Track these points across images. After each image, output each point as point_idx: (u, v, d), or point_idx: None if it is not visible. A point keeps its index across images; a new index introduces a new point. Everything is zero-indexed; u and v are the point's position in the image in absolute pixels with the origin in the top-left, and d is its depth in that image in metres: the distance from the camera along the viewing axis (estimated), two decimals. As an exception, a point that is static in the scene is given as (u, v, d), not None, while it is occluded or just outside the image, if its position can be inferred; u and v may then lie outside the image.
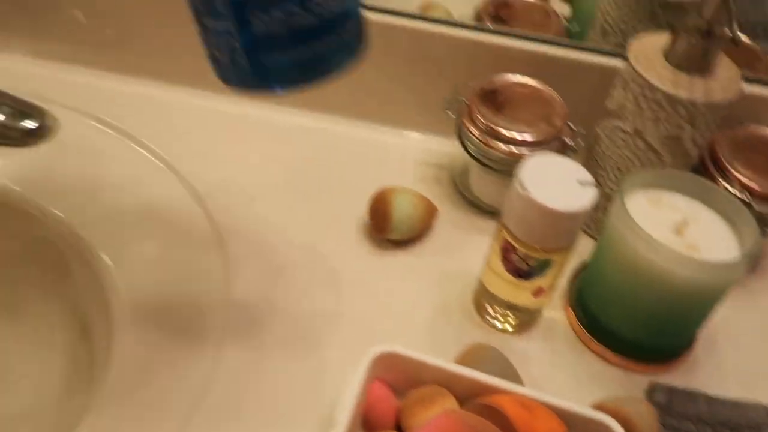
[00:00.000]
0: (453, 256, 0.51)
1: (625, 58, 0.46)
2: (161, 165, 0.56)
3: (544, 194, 0.37)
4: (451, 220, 0.53)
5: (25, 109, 0.57)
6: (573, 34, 0.60)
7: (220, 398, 0.40)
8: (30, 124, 0.56)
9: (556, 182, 0.38)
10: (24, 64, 0.63)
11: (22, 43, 0.64)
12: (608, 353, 0.44)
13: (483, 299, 0.46)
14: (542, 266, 0.40)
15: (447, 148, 0.58)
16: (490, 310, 0.46)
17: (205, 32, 0.30)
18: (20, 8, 0.62)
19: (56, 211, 0.51)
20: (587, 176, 0.38)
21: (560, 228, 0.38)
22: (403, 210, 0.49)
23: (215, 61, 0.31)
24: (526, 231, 0.39)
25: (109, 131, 0.59)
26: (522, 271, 0.41)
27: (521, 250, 0.40)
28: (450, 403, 0.37)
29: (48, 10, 0.62)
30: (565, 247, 0.40)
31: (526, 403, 0.36)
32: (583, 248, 0.48)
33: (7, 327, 0.56)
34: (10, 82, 0.56)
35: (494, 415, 0.35)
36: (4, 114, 0.55)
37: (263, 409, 0.40)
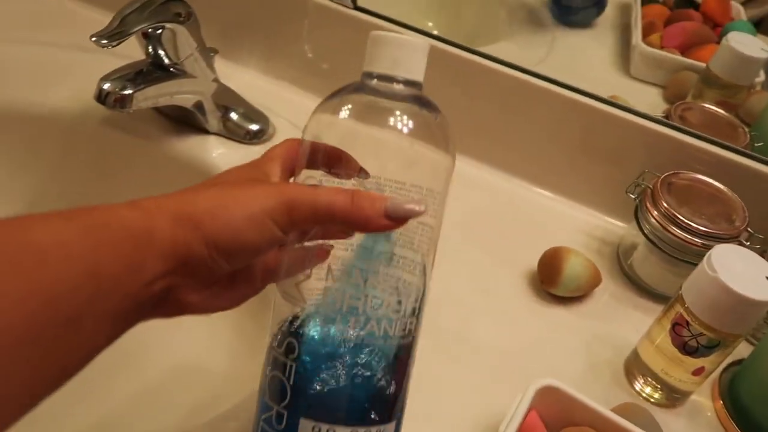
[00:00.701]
0: (608, 324, 0.54)
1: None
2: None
3: (732, 279, 0.40)
4: (610, 291, 0.57)
5: (253, 114, 0.67)
6: (756, 149, 0.63)
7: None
8: (254, 126, 0.66)
9: (743, 271, 0.41)
10: (258, 79, 0.75)
11: (258, 62, 0.75)
12: (753, 449, 0.46)
13: (634, 368, 0.49)
14: (711, 346, 0.43)
15: (613, 227, 0.63)
16: (639, 380, 0.49)
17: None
18: (265, 36, 0.74)
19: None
20: (773, 274, 0.41)
21: (742, 313, 0.41)
22: (574, 269, 0.53)
23: None
24: (707, 310, 0.42)
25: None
26: (690, 347, 0.44)
27: (695, 327, 0.43)
28: (604, 446, 0.40)
29: (286, 42, 0.73)
30: (739, 333, 0.42)
31: (682, 464, 0.38)
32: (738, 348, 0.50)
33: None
34: (245, 91, 0.67)
35: (650, 465, 0.37)
36: (237, 114, 0.66)
37: (424, 410, 0.45)
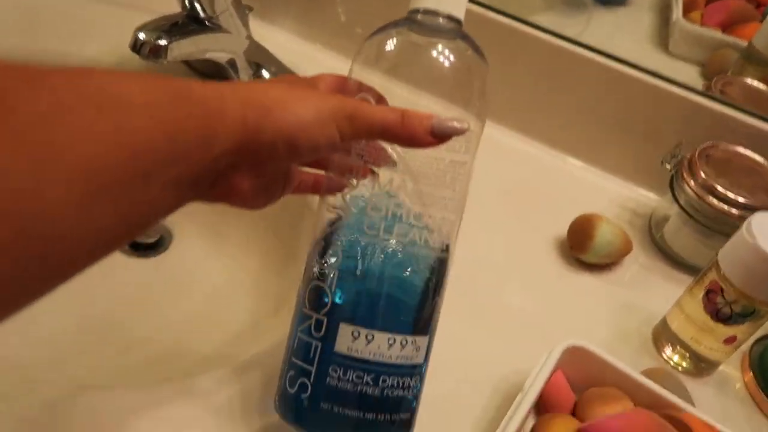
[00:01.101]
0: (637, 293, 0.53)
1: None
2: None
3: (772, 246, 0.40)
4: (639, 261, 0.56)
5: (285, 73, 0.67)
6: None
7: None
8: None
9: (783, 239, 0.40)
10: (291, 40, 0.75)
11: (292, 24, 0.75)
12: (782, 422, 0.45)
13: (663, 337, 0.49)
14: (745, 315, 0.42)
15: (646, 199, 0.62)
16: (668, 348, 0.48)
17: (293, 366, 0.34)
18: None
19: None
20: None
21: (779, 280, 0.40)
22: (605, 236, 0.52)
23: (282, 391, 0.34)
24: (743, 277, 0.41)
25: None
26: (722, 314, 0.43)
27: (730, 294, 0.42)
28: (630, 406, 0.40)
29: (321, 4, 0.73)
30: (775, 302, 0.42)
31: (711, 428, 0.38)
32: None
33: (212, 246, 0.65)
34: (278, 51, 0.66)
35: (679, 428, 0.37)
36: (269, 72, 0.66)
37: (454, 365, 0.45)
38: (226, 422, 0.38)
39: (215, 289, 0.61)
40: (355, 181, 0.33)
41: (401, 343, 0.32)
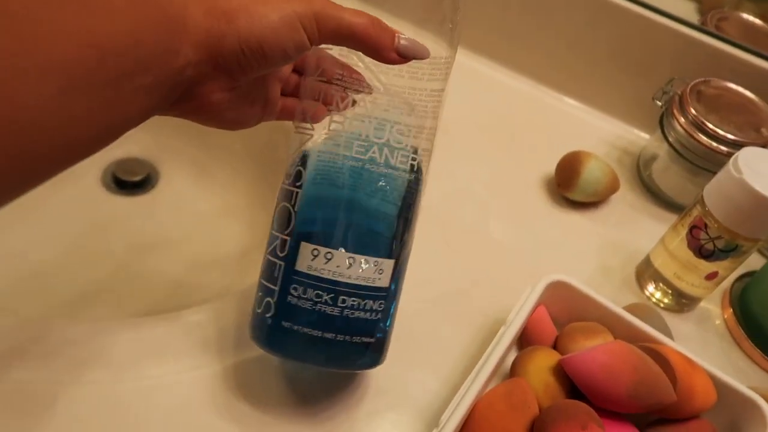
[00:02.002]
0: (622, 231, 0.53)
1: None
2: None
3: (757, 181, 0.39)
4: (626, 199, 0.56)
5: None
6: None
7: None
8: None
9: (770, 175, 0.40)
10: None
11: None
12: (759, 355, 0.46)
13: (646, 274, 0.49)
14: (728, 250, 0.43)
15: (636, 138, 0.62)
16: (650, 285, 0.49)
17: (261, 288, 0.34)
18: None
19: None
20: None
21: (763, 217, 0.40)
22: (593, 173, 0.52)
23: (252, 314, 0.35)
24: (727, 212, 0.41)
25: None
26: (705, 250, 0.43)
27: (714, 229, 0.42)
28: (611, 339, 0.41)
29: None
30: (758, 237, 0.42)
31: (688, 359, 0.38)
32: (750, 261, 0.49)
33: (200, 182, 0.64)
34: None
35: (657, 359, 0.38)
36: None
37: (438, 300, 0.45)
38: (210, 354, 0.39)
39: (203, 225, 0.61)
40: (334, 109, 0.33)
41: (361, 263, 0.32)
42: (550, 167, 0.55)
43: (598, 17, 0.60)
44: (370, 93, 0.33)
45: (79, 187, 0.61)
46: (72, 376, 0.36)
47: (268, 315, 0.33)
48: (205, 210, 0.62)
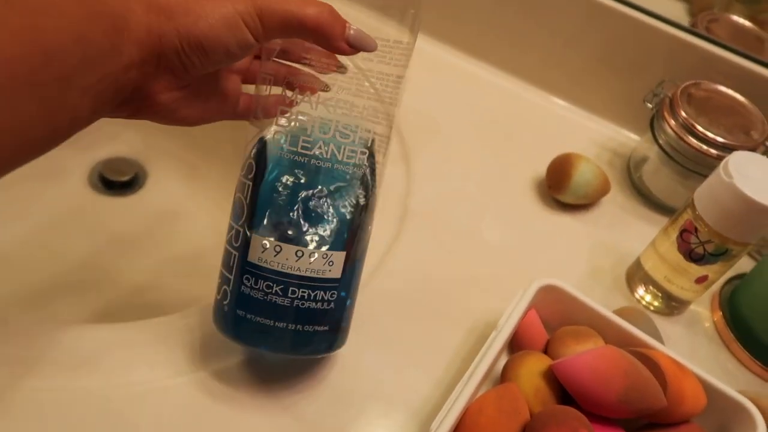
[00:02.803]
0: (613, 233, 0.53)
1: None
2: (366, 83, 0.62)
3: (747, 185, 0.39)
4: (617, 202, 0.56)
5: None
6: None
7: (388, 288, 0.45)
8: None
9: (760, 178, 0.40)
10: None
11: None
12: (747, 358, 0.46)
13: (636, 277, 0.49)
14: (718, 254, 0.43)
15: (627, 140, 0.62)
16: (640, 288, 0.49)
17: (221, 275, 0.35)
18: None
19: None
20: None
21: (753, 221, 0.40)
22: (584, 175, 0.52)
23: (214, 301, 0.36)
24: (718, 216, 0.41)
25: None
26: (695, 254, 0.43)
27: (704, 233, 0.42)
28: (602, 343, 0.41)
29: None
30: (747, 242, 0.42)
31: (678, 364, 0.38)
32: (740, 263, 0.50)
33: (188, 183, 0.64)
34: None
35: (647, 363, 0.38)
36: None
37: (430, 303, 0.45)
38: (197, 359, 0.38)
39: (191, 225, 0.61)
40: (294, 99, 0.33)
41: (310, 255, 0.33)
42: (541, 169, 0.55)
43: (589, 19, 0.60)
44: (344, 73, 0.34)
45: (65, 187, 0.61)
46: (56, 382, 0.36)
47: (225, 302, 0.34)
48: (193, 210, 0.62)
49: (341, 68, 0.34)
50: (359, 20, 0.32)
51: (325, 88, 0.34)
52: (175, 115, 0.32)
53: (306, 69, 0.35)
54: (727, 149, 0.49)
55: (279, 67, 0.35)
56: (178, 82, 0.31)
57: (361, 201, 0.35)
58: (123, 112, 0.31)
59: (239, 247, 0.34)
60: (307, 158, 0.33)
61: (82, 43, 0.25)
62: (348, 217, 0.34)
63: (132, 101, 0.30)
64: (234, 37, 0.29)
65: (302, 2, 0.30)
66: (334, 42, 0.31)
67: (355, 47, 0.31)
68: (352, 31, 0.31)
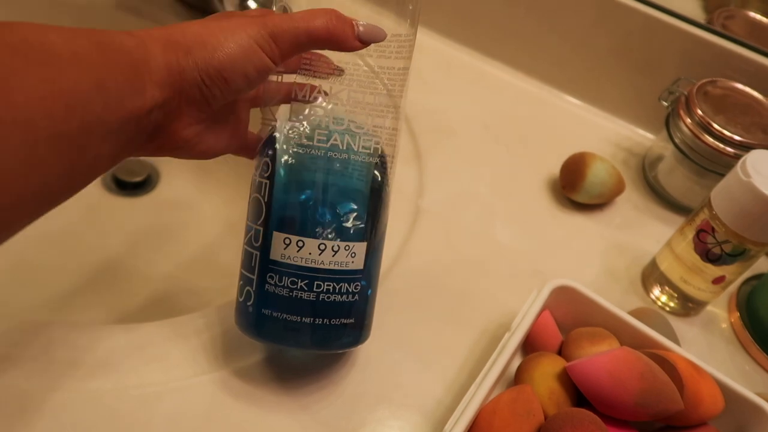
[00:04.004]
0: (628, 233, 0.53)
1: None
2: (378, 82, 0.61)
3: (766, 185, 0.39)
4: (632, 201, 0.56)
5: (272, 3, 0.64)
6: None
7: (401, 289, 0.45)
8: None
9: (778, 178, 0.39)
10: None
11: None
12: (765, 359, 0.45)
13: (652, 277, 0.48)
14: (735, 255, 0.42)
15: (642, 139, 0.61)
16: (656, 289, 0.48)
17: (242, 278, 0.35)
18: None
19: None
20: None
21: (771, 221, 0.40)
22: (598, 174, 0.51)
23: (236, 303, 0.36)
24: (735, 216, 0.41)
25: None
26: (713, 254, 0.43)
27: (721, 233, 0.42)
28: (617, 345, 0.40)
29: None
30: (766, 242, 0.41)
31: (695, 366, 0.38)
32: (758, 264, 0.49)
33: (201, 183, 0.64)
34: None
35: (664, 366, 0.37)
36: (257, 3, 0.63)
37: (443, 304, 0.45)
38: (212, 360, 0.38)
39: (205, 224, 0.61)
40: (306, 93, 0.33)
41: (333, 248, 0.33)
42: (555, 168, 0.55)
43: (603, 17, 0.59)
44: (341, 74, 0.34)
45: (79, 188, 0.61)
46: (72, 383, 0.36)
47: (249, 303, 0.34)
48: (205, 209, 0.62)
49: (339, 71, 0.34)
50: (357, 13, 0.32)
51: (339, 72, 0.34)
52: (196, 149, 0.32)
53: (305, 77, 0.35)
54: (745, 147, 0.49)
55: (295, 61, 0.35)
56: (200, 116, 0.31)
57: (378, 191, 0.35)
58: (145, 151, 0.31)
59: (260, 247, 0.34)
60: (323, 151, 0.33)
61: (103, 90, 0.25)
62: (366, 207, 0.34)
63: (154, 140, 0.30)
64: (252, 63, 0.29)
65: (308, 16, 0.30)
66: (348, 44, 0.31)
67: (366, 42, 0.32)
68: (361, 28, 0.31)
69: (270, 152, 0.34)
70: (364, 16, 0.33)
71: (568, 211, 0.53)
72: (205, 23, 0.30)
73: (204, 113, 0.31)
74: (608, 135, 0.61)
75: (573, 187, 0.52)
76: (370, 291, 0.36)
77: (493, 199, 0.53)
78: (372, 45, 0.33)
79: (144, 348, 0.38)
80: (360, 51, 0.33)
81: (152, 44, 0.28)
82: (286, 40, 0.30)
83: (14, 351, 0.36)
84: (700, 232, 0.43)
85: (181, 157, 0.33)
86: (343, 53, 0.33)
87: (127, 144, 0.28)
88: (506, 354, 0.37)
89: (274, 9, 0.34)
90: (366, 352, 0.40)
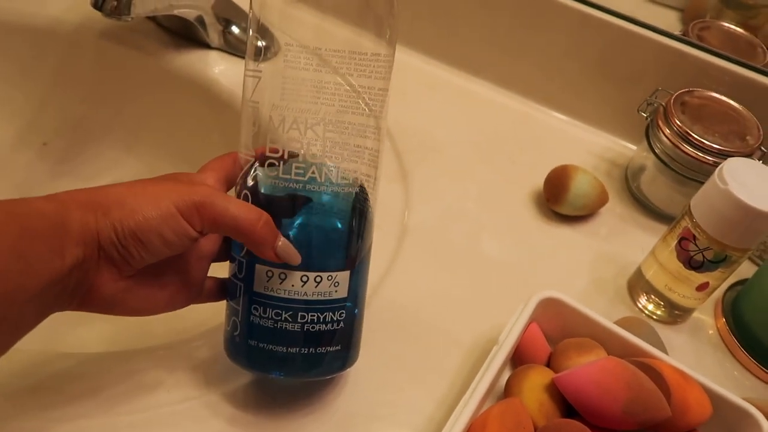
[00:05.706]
0: (613, 243, 0.54)
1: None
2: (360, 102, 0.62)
3: (742, 191, 0.39)
4: (615, 212, 0.56)
5: (260, 31, 0.65)
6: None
7: (389, 307, 0.45)
8: (260, 43, 0.64)
9: (755, 184, 0.40)
10: None
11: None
12: (753, 364, 0.46)
13: (638, 286, 0.49)
14: (717, 261, 0.43)
15: (624, 149, 0.62)
16: (642, 297, 0.49)
17: (228, 307, 0.36)
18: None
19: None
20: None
21: (750, 227, 0.40)
22: (581, 187, 0.52)
23: (224, 332, 0.36)
24: (715, 223, 0.41)
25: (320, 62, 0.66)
26: (695, 262, 0.43)
27: (702, 241, 0.42)
28: (604, 355, 0.41)
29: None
30: (746, 247, 0.42)
31: (682, 373, 0.38)
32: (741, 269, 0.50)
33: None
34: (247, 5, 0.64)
35: (650, 374, 0.38)
36: (240, 28, 0.64)
37: (431, 321, 0.45)
38: (203, 383, 0.38)
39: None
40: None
41: (315, 279, 0.33)
42: (539, 182, 0.55)
43: (581, 32, 0.60)
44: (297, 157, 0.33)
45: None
46: (62, 412, 0.36)
47: (236, 333, 0.35)
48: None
49: (291, 154, 0.33)
50: (336, 34, 0.33)
51: (292, 154, 0.34)
52: (125, 305, 0.32)
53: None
54: (723, 155, 0.50)
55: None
56: (122, 273, 0.31)
57: (360, 218, 0.35)
58: (69, 306, 0.31)
59: (244, 278, 0.34)
60: (301, 184, 0.33)
61: (21, 259, 0.26)
62: (346, 237, 0.34)
63: (75, 296, 0.30)
64: (169, 227, 0.30)
65: (244, 208, 0.31)
66: (265, 250, 0.32)
67: (281, 258, 0.32)
68: (281, 243, 0.32)
69: (249, 185, 0.34)
70: (344, 38, 0.33)
71: (553, 224, 0.54)
72: (131, 185, 0.31)
73: (124, 272, 0.31)
74: (591, 147, 0.62)
75: (557, 200, 0.53)
76: (356, 311, 0.36)
77: (479, 214, 0.54)
78: (351, 64, 0.33)
79: (134, 374, 0.38)
80: (340, 70, 0.33)
81: (72, 206, 0.29)
82: (210, 216, 0.30)
83: (3, 380, 0.36)
84: (681, 240, 0.44)
85: (113, 313, 0.32)
86: (329, 73, 0.33)
87: (54, 303, 0.29)
88: (494, 367, 0.38)
89: (249, 33, 0.35)
90: (356, 371, 0.40)
